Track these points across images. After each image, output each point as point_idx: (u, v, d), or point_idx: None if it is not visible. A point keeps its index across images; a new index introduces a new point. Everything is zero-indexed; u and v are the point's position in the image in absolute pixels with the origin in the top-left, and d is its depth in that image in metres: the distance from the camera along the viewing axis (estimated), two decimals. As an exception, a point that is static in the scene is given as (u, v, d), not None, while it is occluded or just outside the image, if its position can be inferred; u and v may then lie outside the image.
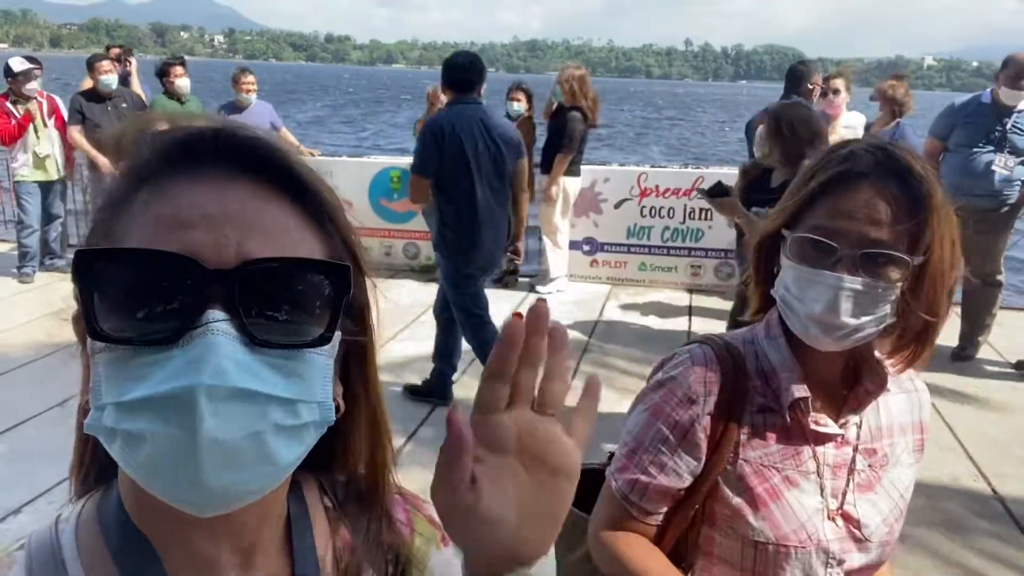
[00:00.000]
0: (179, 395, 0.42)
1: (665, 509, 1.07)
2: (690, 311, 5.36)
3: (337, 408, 0.51)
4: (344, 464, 0.59)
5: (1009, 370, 4.38)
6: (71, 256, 0.43)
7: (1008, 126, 4.10)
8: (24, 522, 2.72)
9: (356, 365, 0.56)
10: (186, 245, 0.45)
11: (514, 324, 0.46)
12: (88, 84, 5.99)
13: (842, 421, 1.06)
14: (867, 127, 5.12)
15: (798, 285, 0.98)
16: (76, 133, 5.66)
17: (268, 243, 0.47)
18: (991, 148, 4.09)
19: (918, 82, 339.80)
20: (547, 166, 5.42)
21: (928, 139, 4.38)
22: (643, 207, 5.75)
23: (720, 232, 5.65)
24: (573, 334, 4.84)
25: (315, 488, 0.61)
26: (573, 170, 5.43)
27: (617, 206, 5.79)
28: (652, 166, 5.98)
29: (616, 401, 3.85)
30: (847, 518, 1.06)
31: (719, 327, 4.98)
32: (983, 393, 4.06)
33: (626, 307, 5.43)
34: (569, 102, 5.31)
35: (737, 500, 1.03)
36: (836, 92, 4.64)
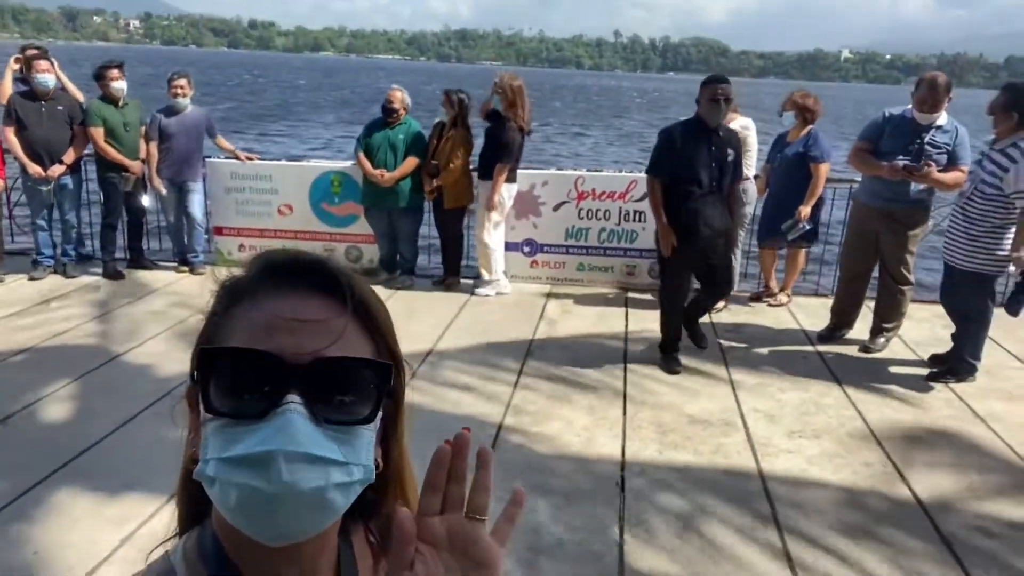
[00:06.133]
0: (264, 456, 0.57)
1: None
2: (626, 309, 5.60)
3: (378, 466, 0.66)
4: (384, 508, 0.74)
5: (916, 359, 4.77)
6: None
7: (925, 140, 4.40)
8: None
9: (392, 433, 0.71)
10: (273, 345, 0.60)
11: (443, 449, 0.61)
12: (8, 81, 5.82)
13: None
14: (782, 136, 5.48)
15: None
16: (10, 134, 5.51)
17: (334, 344, 0.61)
18: (909, 159, 4.40)
19: (836, 74, 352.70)
20: (484, 172, 5.58)
21: (857, 142, 4.68)
22: (580, 209, 5.95)
23: (653, 233, 5.90)
24: (515, 334, 5.01)
25: (361, 529, 0.76)
26: (509, 176, 5.59)
27: (555, 209, 5.98)
28: (588, 170, 6.19)
29: (558, 402, 4.04)
30: None
31: (654, 324, 5.23)
32: (895, 384, 4.41)
33: (566, 306, 5.64)
34: (507, 110, 5.46)
35: None
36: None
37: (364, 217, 6.05)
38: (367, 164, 5.73)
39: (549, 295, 5.89)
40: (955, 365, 4.44)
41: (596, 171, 6.25)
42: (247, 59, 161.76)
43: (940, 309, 5.59)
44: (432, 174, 5.70)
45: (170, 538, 0.71)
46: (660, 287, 4.74)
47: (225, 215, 6.36)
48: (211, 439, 0.60)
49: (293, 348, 0.60)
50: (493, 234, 5.72)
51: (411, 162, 5.69)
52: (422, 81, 54.62)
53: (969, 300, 4.33)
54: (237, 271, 0.67)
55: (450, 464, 0.62)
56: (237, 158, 6.24)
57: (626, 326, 5.25)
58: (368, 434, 0.63)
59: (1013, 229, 4.09)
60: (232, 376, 0.60)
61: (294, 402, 0.58)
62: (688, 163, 4.25)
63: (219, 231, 6.41)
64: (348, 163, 6.16)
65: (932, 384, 4.40)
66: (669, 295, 4.59)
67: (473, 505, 0.62)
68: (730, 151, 4.31)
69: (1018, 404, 4.18)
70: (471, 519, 0.62)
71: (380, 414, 0.64)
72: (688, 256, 4.37)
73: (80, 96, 5.96)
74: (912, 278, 4.79)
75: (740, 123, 5.30)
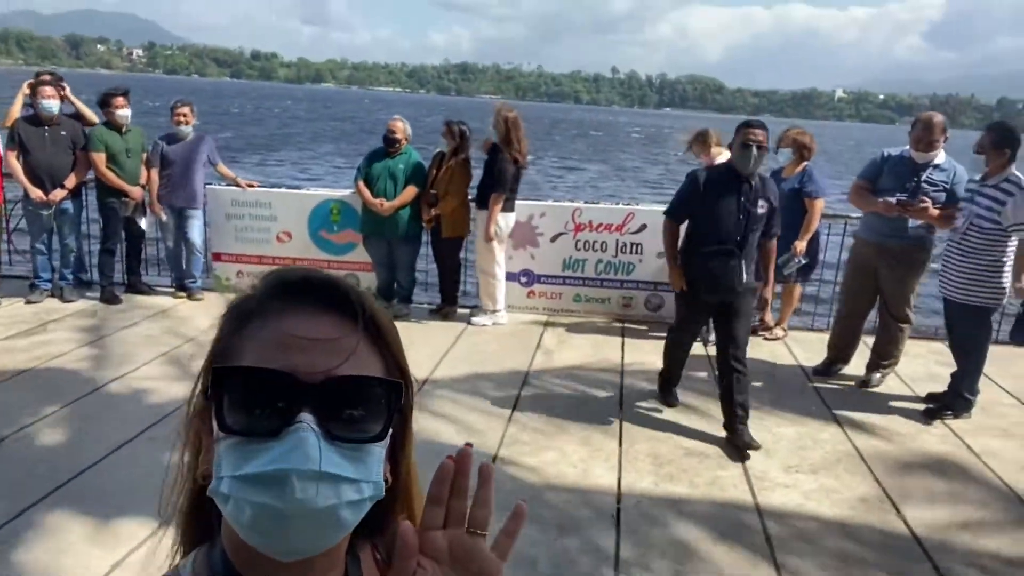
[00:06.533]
0: (277, 475, 0.57)
1: None
2: (623, 340, 5.61)
3: (386, 481, 0.67)
4: (391, 524, 0.74)
5: (912, 395, 4.78)
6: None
7: (922, 178, 4.49)
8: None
9: (401, 450, 0.71)
10: (286, 363, 0.60)
11: (446, 465, 0.62)
12: (18, 106, 5.87)
13: None
14: (776, 171, 5.56)
15: None
16: (12, 158, 5.56)
17: (346, 362, 0.62)
18: (906, 197, 4.47)
19: (830, 113, 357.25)
20: (481, 202, 5.63)
21: (857, 181, 4.76)
22: (578, 241, 6.00)
23: (649, 265, 5.95)
24: (512, 364, 5.01)
25: (368, 549, 0.76)
26: (507, 207, 5.64)
27: (553, 240, 6.03)
28: (586, 202, 6.25)
29: (554, 433, 4.03)
30: None
31: (650, 356, 5.25)
32: (891, 420, 4.41)
33: (562, 337, 5.65)
34: (503, 142, 5.52)
35: None
36: (696, 146, 5.63)
37: (362, 245, 6.08)
38: (367, 193, 5.78)
39: (546, 325, 5.90)
40: (952, 401, 4.45)
41: (593, 203, 6.30)
42: (249, 89, 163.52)
43: (936, 346, 5.64)
44: (431, 204, 5.75)
45: (174, 560, 0.71)
46: (667, 340, 4.45)
47: (224, 241, 6.39)
48: (225, 457, 0.60)
49: (305, 366, 0.60)
50: (499, 265, 5.76)
51: (410, 191, 5.74)
52: (423, 113, 55.22)
53: (968, 334, 4.35)
54: (248, 289, 0.67)
55: (452, 479, 0.63)
56: (238, 185, 6.29)
57: (622, 357, 5.26)
58: (379, 451, 0.64)
59: (1010, 261, 4.16)
60: (245, 394, 0.60)
61: (307, 420, 0.59)
62: (710, 212, 3.91)
63: (217, 257, 6.43)
64: (347, 191, 6.21)
65: (928, 420, 4.40)
66: (674, 334, 4.37)
67: (474, 520, 0.63)
68: (762, 203, 3.91)
69: (1013, 440, 4.18)
70: (472, 534, 0.63)
71: (391, 431, 0.65)
72: (696, 309, 4.16)
73: (96, 120, 6.00)
74: (912, 316, 4.82)
75: (724, 157, 5.39)
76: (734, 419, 3.93)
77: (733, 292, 3.90)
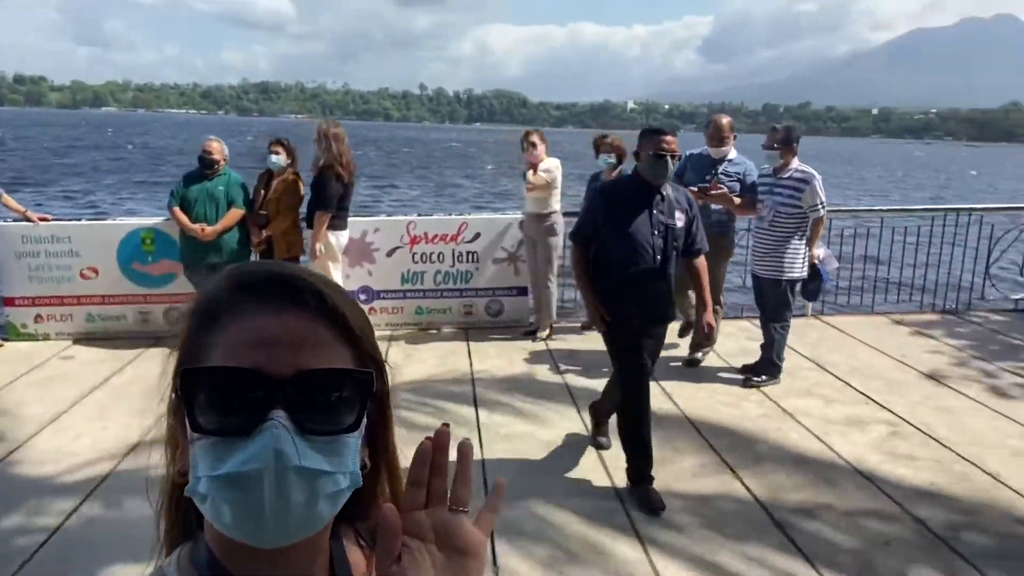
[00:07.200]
0: (252, 474, 0.58)
1: None
2: (468, 345, 5.70)
3: (364, 466, 0.67)
4: (374, 510, 0.74)
5: (729, 367, 5.29)
6: None
7: (719, 171, 5.11)
8: None
9: (380, 435, 0.72)
10: (255, 361, 0.61)
11: (425, 446, 0.64)
12: None
13: None
14: (597, 176, 5.95)
15: None
16: None
17: (314, 356, 0.62)
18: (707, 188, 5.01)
19: (625, 123, 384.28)
20: (310, 221, 5.47)
21: None
22: (415, 253, 6.01)
23: (486, 272, 6.10)
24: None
25: (352, 534, 0.76)
26: (339, 224, 5.50)
27: (389, 254, 5.99)
28: (419, 215, 6.28)
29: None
30: None
31: (496, 361, 5.38)
32: (716, 392, 4.87)
33: (408, 351, 5.62)
34: (326, 159, 5.39)
35: None
36: (534, 145, 5.67)
37: (184, 275, 5.68)
38: (184, 218, 5.40)
39: (390, 341, 5.85)
40: (765, 368, 5.00)
41: (427, 216, 6.35)
42: (13, 116, 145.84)
43: (743, 323, 6.28)
44: (261, 225, 5.50)
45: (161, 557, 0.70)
46: (620, 391, 3.65)
47: (16, 283, 5.68)
48: (200, 457, 0.60)
49: (274, 363, 0.61)
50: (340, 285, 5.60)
51: (235, 214, 5.45)
52: (224, 135, 52.17)
53: (778, 306, 4.93)
54: (211, 288, 0.66)
55: (431, 460, 0.64)
56: (27, 219, 5.63)
57: (470, 364, 5.34)
58: (354, 441, 0.64)
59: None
60: (216, 394, 0.60)
61: (278, 417, 0.59)
62: (621, 230, 3.45)
63: (10, 302, 5.71)
64: (160, 219, 5.78)
65: (746, 388, 4.91)
66: (629, 398, 3.57)
67: (456, 498, 0.65)
68: (679, 215, 3.51)
69: (815, 399, 4.76)
70: (454, 511, 0.64)
71: (365, 420, 0.65)
72: (633, 339, 3.51)
73: None
74: (722, 298, 5.35)
75: (549, 163, 5.68)
76: (603, 423, 4.05)
77: (665, 320, 3.58)
